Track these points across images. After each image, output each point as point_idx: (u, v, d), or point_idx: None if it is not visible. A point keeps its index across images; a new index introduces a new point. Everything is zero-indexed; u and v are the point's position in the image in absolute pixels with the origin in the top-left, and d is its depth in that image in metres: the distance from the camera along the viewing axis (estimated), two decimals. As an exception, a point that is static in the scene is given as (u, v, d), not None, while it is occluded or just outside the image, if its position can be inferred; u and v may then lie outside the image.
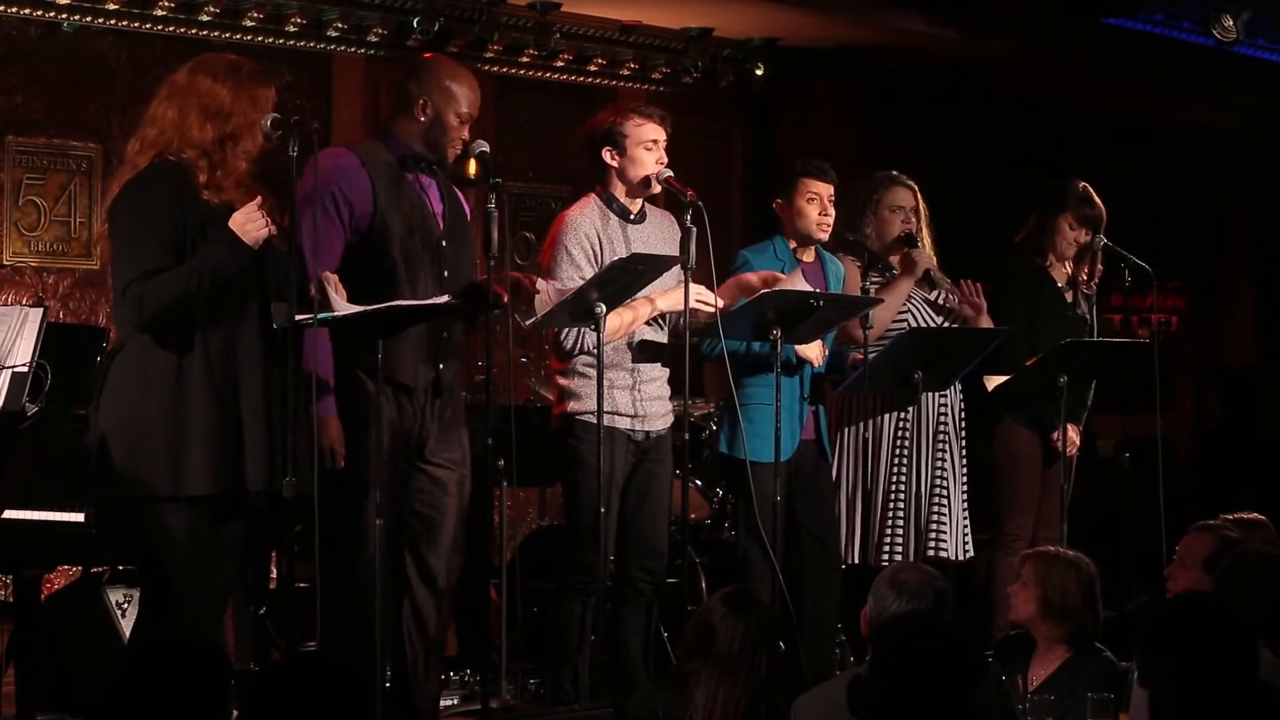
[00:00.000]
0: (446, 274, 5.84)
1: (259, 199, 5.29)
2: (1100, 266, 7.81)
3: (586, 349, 6.33)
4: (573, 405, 6.38)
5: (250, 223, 5.24)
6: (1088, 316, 7.80)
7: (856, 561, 7.18)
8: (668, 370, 6.54)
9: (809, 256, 7.05)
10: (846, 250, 7.26)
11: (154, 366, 5.26)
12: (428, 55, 6.64)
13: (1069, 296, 7.81)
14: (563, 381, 6.42)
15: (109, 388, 5.31)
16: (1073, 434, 7.60)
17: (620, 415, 6.35)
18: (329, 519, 5.47)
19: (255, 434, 5.28)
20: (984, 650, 4.96)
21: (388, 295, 5.66)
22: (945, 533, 7.25)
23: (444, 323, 5.84)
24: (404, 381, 5.79)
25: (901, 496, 7.13)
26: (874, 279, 7.19)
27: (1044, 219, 7.77)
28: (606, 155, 6.44)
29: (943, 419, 7.27)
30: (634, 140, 6.43)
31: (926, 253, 7.21)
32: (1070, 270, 7.81)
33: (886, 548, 7.12)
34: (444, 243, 5.86)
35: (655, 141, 6.43)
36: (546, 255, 6.44)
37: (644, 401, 6.42)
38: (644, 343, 6.44)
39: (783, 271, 6.92)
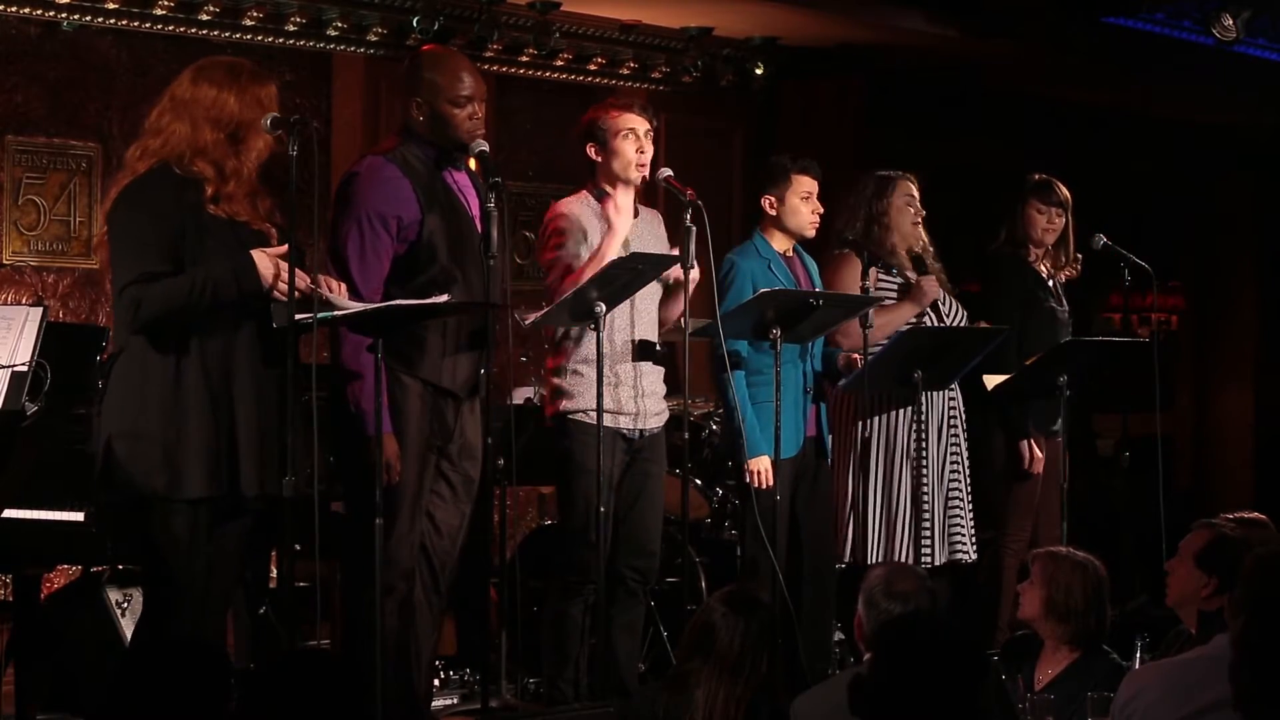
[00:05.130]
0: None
1: (285, 248, 5.26)
2: (1078, 255, 7.83)
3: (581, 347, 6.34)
4: (566, 404, 6.37)
5: (272, 274, 5.22)
6: (1059, 309, 7.80)
7: (859, 562, 7.18)
8: (663, 369, 6.54)
9: (789, 251, 7.07)
10: (845, 249, 7.26)
11: (153, 370, 5.26)
12: (415, 51, 6.64)
13: (1051, 288, 7.83)
14: (556, 380, 6.42)
15: (110, 392, 5.31)
16: (1037, 450, 7.69)
17: (615, 413, 6.34)
18: (356, 517, 5.62)
19: (249, 439, 5.28)
20: (986, 650, 4.96)
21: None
22: (961, 534, 7.26)
23: (485, 326, 5.85)
24: (445, 386, 5.82)
25: (911, 498, 7.13)
26: (883, 281, 7.18)
27: (1013, 216, 7.82)
28: (591, 151, 6.44)
29: (951, 419, 7.27)
30: (612, 132, 6.42)
31: (935, 281, 7.20)
32: (1050, 264, 7.82)
33: (915, 547, 7.10)
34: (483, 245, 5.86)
35: (633, 131, 6.40)
36: (544, 247, 6.42)
37: (639, 399, 6.41)
38: (642, 342, 6.44)
39: (769, 268, 6.92)
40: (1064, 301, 7.84)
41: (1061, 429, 7.52)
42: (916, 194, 7.34)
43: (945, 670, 3.86)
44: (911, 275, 7.21)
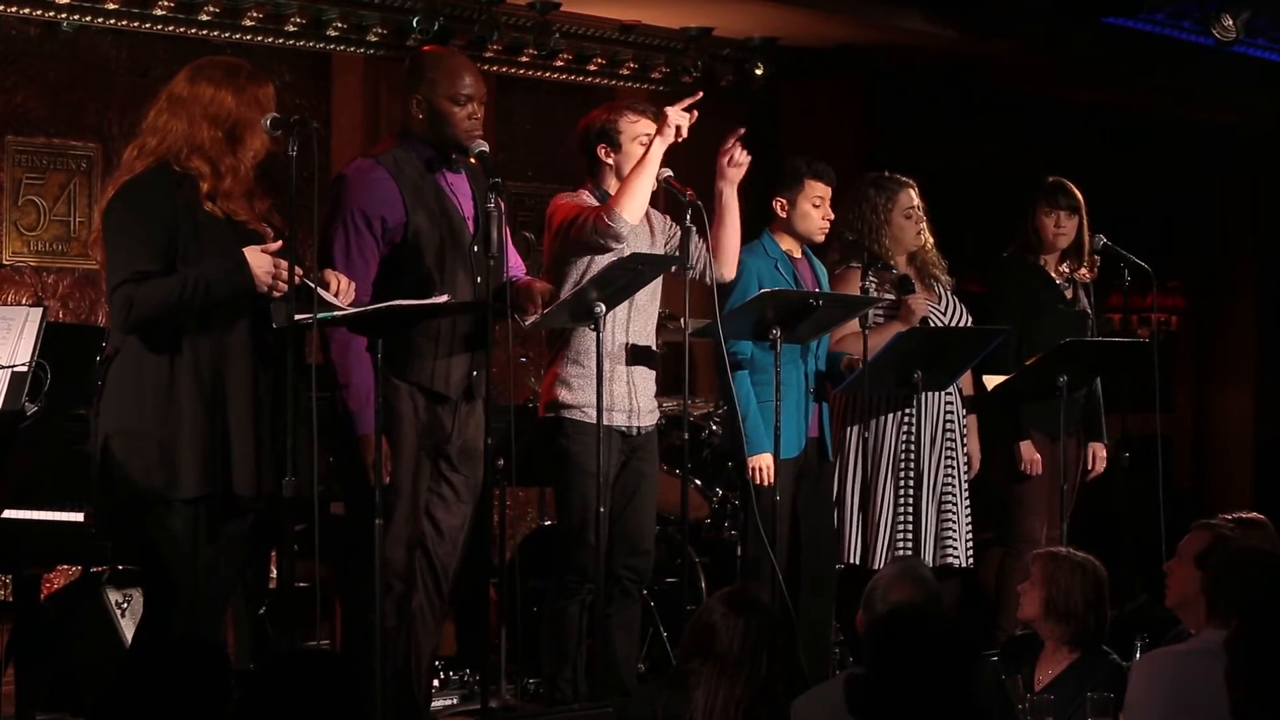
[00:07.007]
0: (479, 279, 5.84)
1: (280, 244, 5.27)
2: (1094, 255, 7.84)
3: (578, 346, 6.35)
4: (561, 401, 6.37)
5: (267, 273, 5.22)
6: (1089, 310, 7.83)
7: (856, 562, 7.19)
8: (655, 370, 6.55)
9: (796, 253, 7.08)
10: (847, 250, 7.27)
11: (148, 370, 5.27)
12: (416, 51, 6.65)
13: (1069, 294, 7.83)
14: (551, 379, 6.42)
15: (107, 393, 5.31)
16: (1099, 450, 7.76)
17: (614, 411, 6.34)
18: (352, 517, 5.64)
19: (243, 439, 5.28)
20: (980, 643, 4.96)
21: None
22: (954, 537, 7.26)
23: (480, 328, 5.84)
24: (438, 390, 5.82)
25: (907, 499, 7.13)
26: (873, 281, 7.17)
27: (1024, 220, 7.83)
28: (601, 152, 6.46)
29: (948, 421, 7.27)
30: (628, 136, 6.44)
31: (922, 300, 7.22)
32: (1068, 267, 7.84)
33: (892, 549, 7.11)
34: (475, 248, 5.85)
35: (649, 135, 6.42)
36: (555, 223, 6.41)
37: (633, 396, 6.41)
38: (635, 347, 6.43)
39: (776, 268, 6.94)
40: (1083, 302, 7.84)
41: (1069, 430, 7.52)
42: (917, 201, 7.34)
43: (937, 660, 3.86)
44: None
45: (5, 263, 7.80)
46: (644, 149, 6.38)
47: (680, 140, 6.26)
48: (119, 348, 5.31)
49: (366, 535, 5.53)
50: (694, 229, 6.44)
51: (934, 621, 4.05)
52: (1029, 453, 7.62)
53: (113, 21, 7.88)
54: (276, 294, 5.24)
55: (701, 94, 6.32)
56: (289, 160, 5.28)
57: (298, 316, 5.24)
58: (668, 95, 9.43)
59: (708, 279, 6.49)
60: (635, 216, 6.22)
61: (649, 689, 5.87)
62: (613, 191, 6.42)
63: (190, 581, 5.27)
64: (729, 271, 6.60)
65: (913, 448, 7.15)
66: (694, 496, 7.66)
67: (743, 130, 6.56)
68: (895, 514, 7.15)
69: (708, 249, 6.51)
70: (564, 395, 6.37)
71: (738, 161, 6.50)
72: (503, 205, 5.83)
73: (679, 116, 6.23)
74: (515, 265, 6.09)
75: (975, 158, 11.01)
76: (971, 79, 10.36)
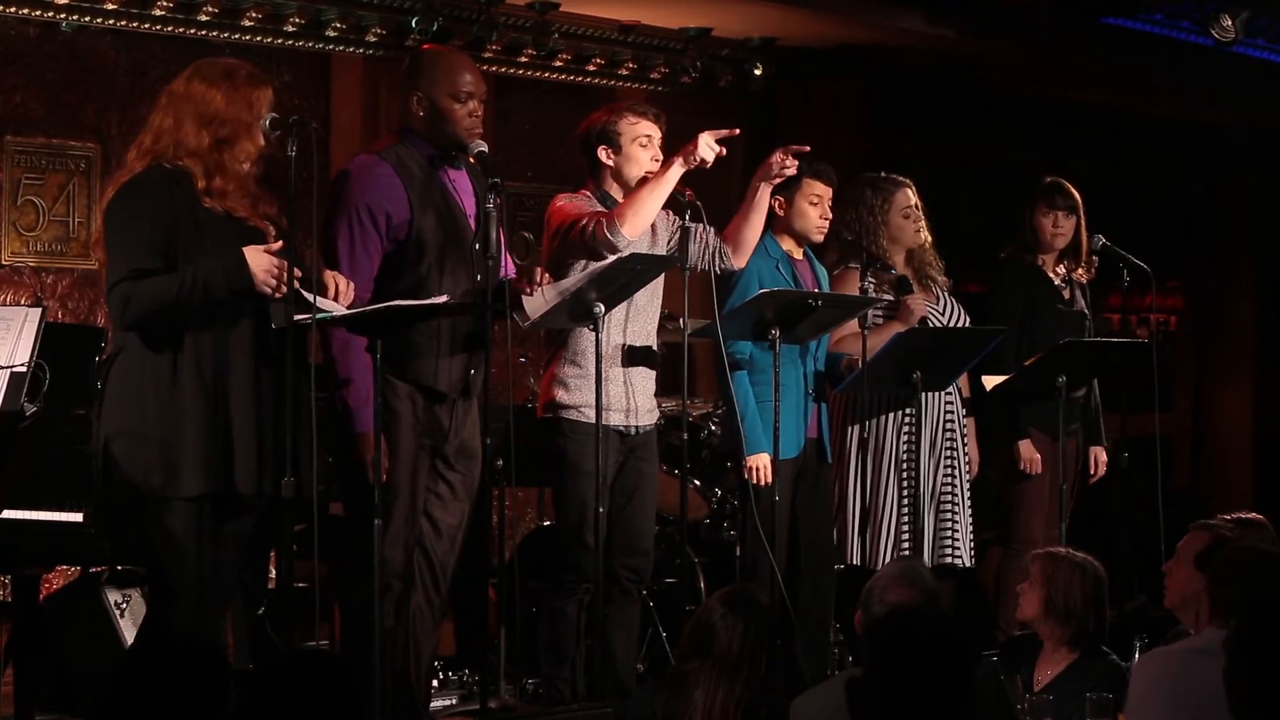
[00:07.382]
0: (479, 276, 5.83)
1: (281, 244, 5.27)
2: (1094, 256, 7.85)
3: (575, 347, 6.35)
4: (559, 401, 6.37)
5: (266, 273, 5.22)
6: (1087, 311, 7.83)
7: (857, 563, 7.19)
8: (654, 371, 6.55)
9: (797, 253, 7.08)
10: (845, 250, 7.27)
11: (149, 369, 5.27)
12: (416, 49, 6.65)
13: (1066, 294, 7.83)
14: (548, 379, 6.42)
15: (109, 392, 5.32)
16: (1100, 455, 7.77)
17: (611, 411, 6.33)
18: (351, 517, 5.65)
19: (245, 437, 5.28)
20: (980, 643, 4.96)
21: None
22: (956, 537, 7.25)
23: (479, 327, 5.84)
24: (437, 388, 5.82)
25: (906, 500, 7.13)
26: (872, 281, 7.17)
27: (1022, 220, 7.85)
28: (602, 154, 6.45)
29: (949, 421, 7.28)
30: (628, 138, 6.43)
31: (920, 300, 7.23)
32: (1065, 267, 7.84)
33: (894, 550, 7.11)
34: (476, 245, 5.85)
35: (650, 138, 6.43)
36: (554, 225, 6.40)
37: (631, 396, 6.41)
38: (633, 348, 6.43)
39: (776, 268, 6.95)
40: (1081, 302, 7.85)
41: (1070, 430, 7.52)
42: (915, 200, 7.35)
43: (933, 665, 3.87)
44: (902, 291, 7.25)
45: (4, 263, 7.80)
46: (643, 149, 6.39)
47: (705, 168, 6.26)
48: (120, 348, 5.33)
49: (365, 535, 5.53)
50: (693, 228, 6.44)
51: (932, 622, 4.05)
52: (1029, 452, 7.62)
53: (111, 22, 7.88)
54: (277, 295, 5.24)
55: (739, 131, 6.30)
56: (288, 160, 5.29)
57: (297, 317, 5.24)
58: (666, 96, 9.45)
59: (716, 268, 6.50)
60: (636, 233, 6.22)
61: (648, 689, 5.87)
62: (613, 192, 6.43)
63: (191, 581, 5.27)
64: (741, 261, 6.61)
65: (913, 448, 7.15)
66: (693, 497, 7.65)
67: (807, 148, 6.56)
68: (898, 515, 7.15)
69: (715, 235, 6.52)
70: (561, 395, 6.37)
71: (784, 174, 6.50)
72: (501, 205, 5.83)
73: (708, 150, 6.22)
74: (512, 268, 6.09)
75: (975, 158, 11.01)
76: (971, 79, 10.36)
